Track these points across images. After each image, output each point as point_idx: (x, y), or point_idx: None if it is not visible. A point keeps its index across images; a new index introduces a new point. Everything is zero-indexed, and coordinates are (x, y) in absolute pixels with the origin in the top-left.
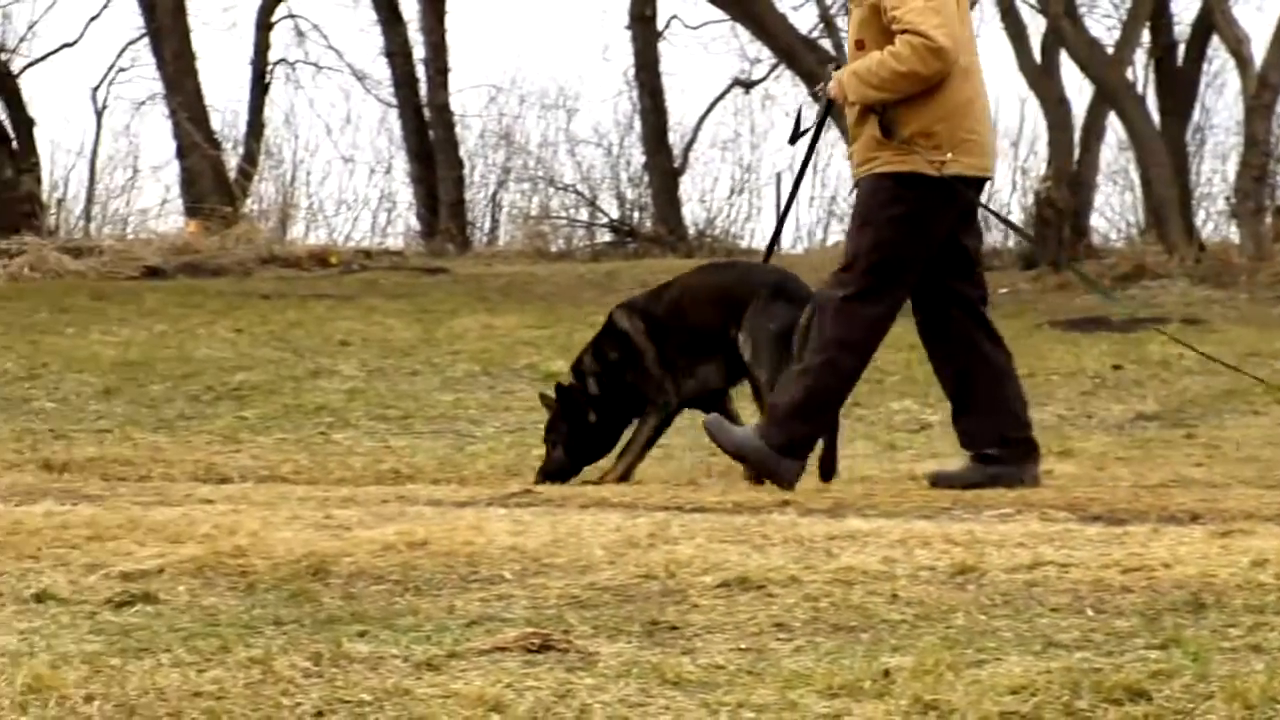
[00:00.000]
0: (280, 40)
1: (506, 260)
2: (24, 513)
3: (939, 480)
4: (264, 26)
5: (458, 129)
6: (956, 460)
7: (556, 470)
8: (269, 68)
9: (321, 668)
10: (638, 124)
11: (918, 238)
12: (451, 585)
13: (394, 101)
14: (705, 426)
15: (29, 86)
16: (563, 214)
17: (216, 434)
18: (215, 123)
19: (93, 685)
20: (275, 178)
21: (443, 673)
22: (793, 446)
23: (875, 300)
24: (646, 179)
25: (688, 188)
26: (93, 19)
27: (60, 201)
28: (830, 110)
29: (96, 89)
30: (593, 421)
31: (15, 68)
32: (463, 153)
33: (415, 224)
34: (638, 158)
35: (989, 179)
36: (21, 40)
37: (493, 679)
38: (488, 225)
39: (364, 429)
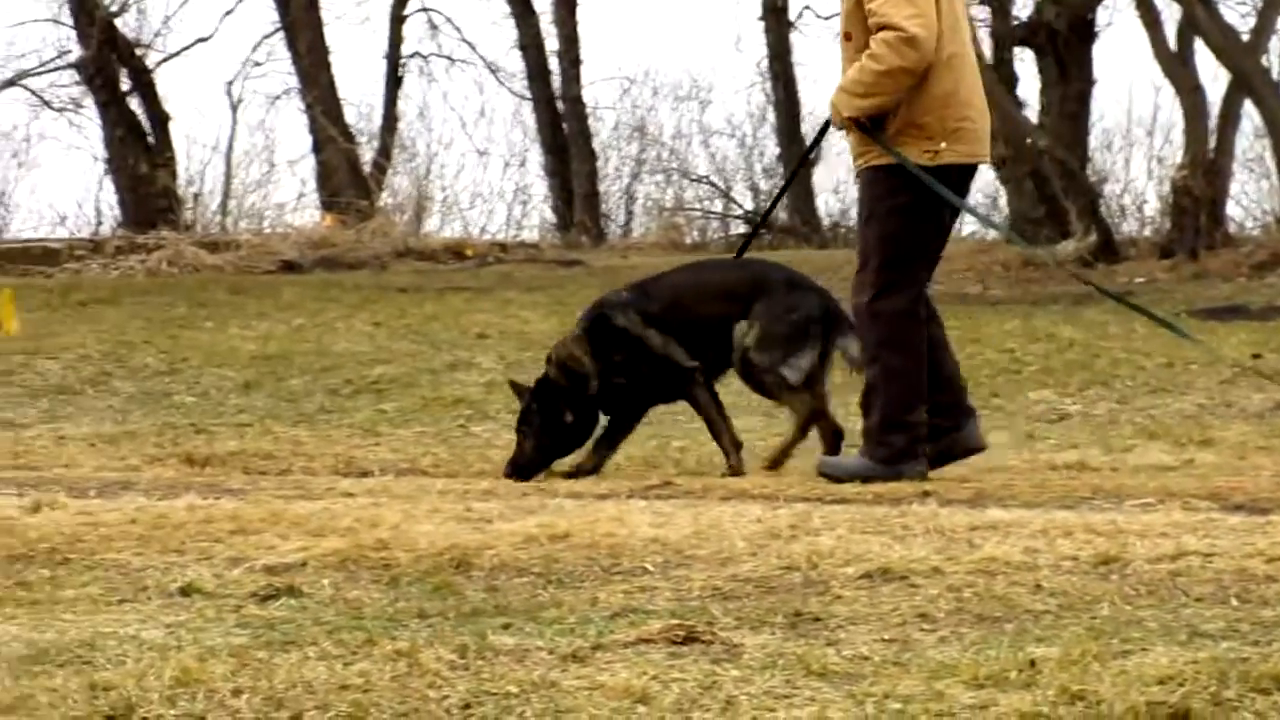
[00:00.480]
0: (414, 33)
1: (641, 252)
2: (167, 507)
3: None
4: (398, 20)
5: (591, 121)
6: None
7: (528, 464)
8: (403, 61)
9: (467, 660)
10: (771, 115)
11: (923, 225)
12: (594, 577)
13: (528, 94)
14: (818, 469)
15: (164, 82)
16: (697, 206)
17: (356, 427)
18: (350, 116)
19: (240, 678)
20: (410, 171)
21: (588, 665)
22: (901, 454)
23: (895, 293)
24: (780, 170)
25: (821, 179)
26: (227, 13)
27: (196, 196)
28: (825, 132)
29: (231, 83)
30: (569, 419)
31: (150, 63)
32: (596, 145)
33: (550, 217)
34: (771, 149)
35: (980, 164)
36: (157, 35)
37: (638, 671)
38: (622, 218)
39: (502, 421)
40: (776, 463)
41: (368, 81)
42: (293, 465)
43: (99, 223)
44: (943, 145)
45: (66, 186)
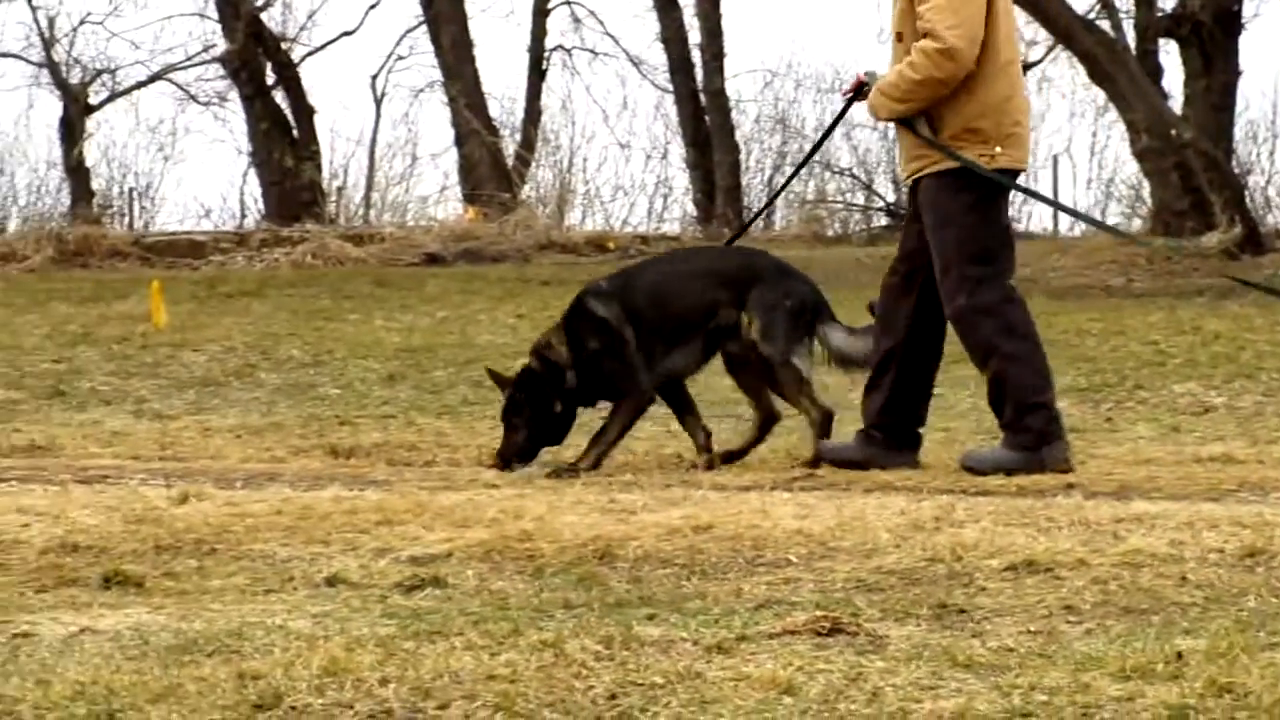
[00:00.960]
0: (556, 27)
1: (783, 245)
2: (313, 498)
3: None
4: (541, 13)
5: (734, 114)
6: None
7: (517, 454)
8: (546, 54)
9: (613, 651)
10: None
11: (995, 217)
12: (738, 569)
13: (670, 87)
14: (963, 463)
15: (309, 75)
16: (839, 198)
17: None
18: (493, 110)
19: (387, 668)
20: (552, 164)
21: (733, 656)
22: (1042, 436)
23: (989, 287)
24: None
25: None
26: (371, 7)
27: (340, 189)
28: (844, 114)
29: (375, 77)
30: (558, 409)
31: (295, 57)
32: (739, 137)
33: (691, 209)
34: None
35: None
36: (302, 29)
37: (783, 662)
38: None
39: (646, 413)
40: (729, 458)
41: (511, 75)
42: (436, 457)
43: (243, 216)
44: (998, 150)
45: (211, 180)
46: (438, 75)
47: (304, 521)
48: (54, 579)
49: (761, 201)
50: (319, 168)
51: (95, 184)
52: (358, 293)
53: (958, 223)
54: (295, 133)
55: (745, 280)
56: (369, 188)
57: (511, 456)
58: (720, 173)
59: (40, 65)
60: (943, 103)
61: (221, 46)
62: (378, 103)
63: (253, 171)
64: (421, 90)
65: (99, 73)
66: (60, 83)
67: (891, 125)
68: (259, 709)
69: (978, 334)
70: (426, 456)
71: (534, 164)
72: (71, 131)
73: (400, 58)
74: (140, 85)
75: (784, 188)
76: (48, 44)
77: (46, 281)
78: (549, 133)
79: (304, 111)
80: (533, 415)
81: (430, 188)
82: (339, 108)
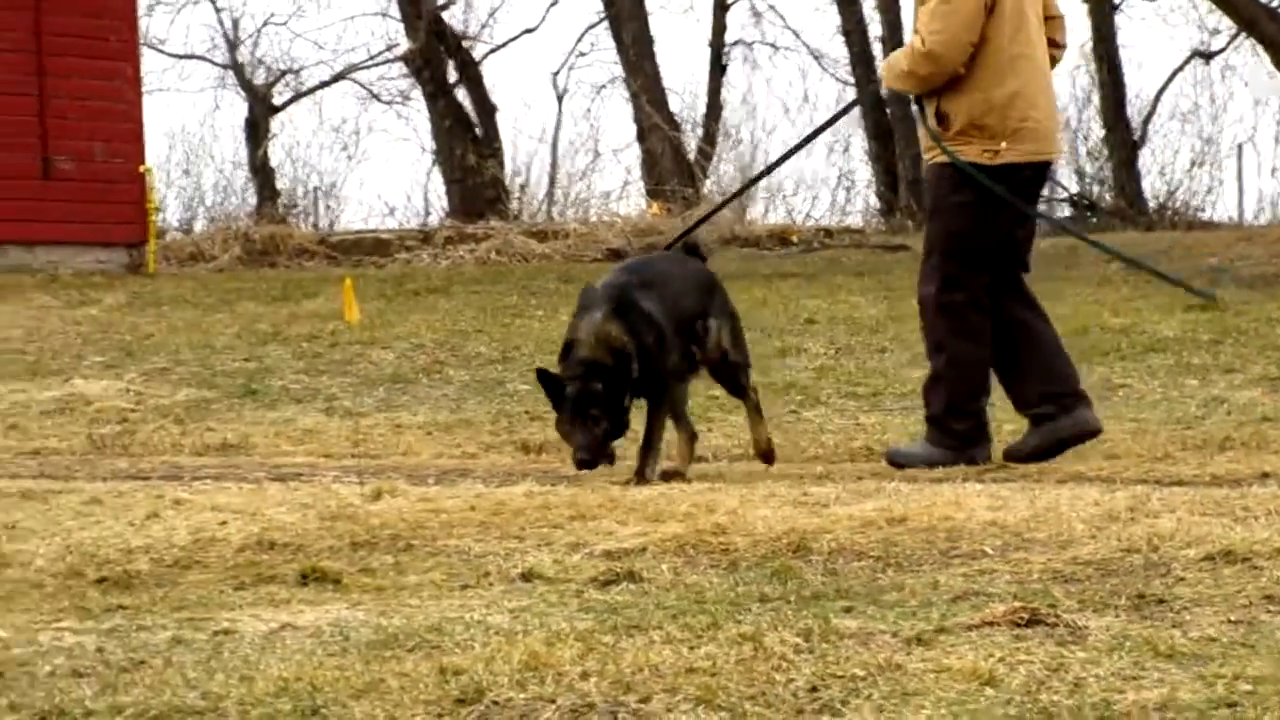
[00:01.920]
0: (737, 21)
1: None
2: (506, 493)
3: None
4: (721, 8)
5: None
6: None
7: (601, 449)
8: (726, 49)
9: (811, 643)
10: (1095, 98)
11: (985, 222)
12: (933, 561)
13: (851, 80)
14: (889, 459)
15: (491, 73)
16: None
17: (690, 412)
18: (674, 105)
19: (587, 662)
20: (734, 158)
21: (933, 647)
22: (967, 439)
23: (960, 286)
24: (1105, 152)
25: (1147, 160)
26: (553, 4)
27: (523, 186)
28: (850, 108)
29: (557, 74)
30: (627, 401)
31: (477, 54)
32: None
33: (874, 202)
34: (1096, 131)
35: (1051, 161)
36: (483, 27)
37: (984, 653)
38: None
39: (834, 406)
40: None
41: (692, 70)
42: (626, 451)
43: (427, 213)
44: (1003, 145)
45: (394, 178)
46: (619, 71)
47: (497, 517)
48: (252, 576)
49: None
50: (502, 165)
51: (280, 183)
52: (543, 289)
53: (948, 216)
54: (478, 130)
55: (712, 287)
56: (552, 184)
57: (598, 452)
58: (903, 165)
59: (225, 67)
60: (948, 98)
61: (404, 45)
62: (559, 99)
63: (436, 169)
64: (603, 86)
65: (283, 73)
66: (245, 84)
67: None
68: (461, 704)
69: (935, 327)
70: (619, 452)
71: (715, 158)
72: (256, 132)
73: (581, 54)
74: (324, 85)
75: (739, 194)
76: (233, 46)
77: (235, 281)
78: (730, 127)
79: (486, 109)
80: (610, 408)
81: (612, 183)
82: (521, 105)
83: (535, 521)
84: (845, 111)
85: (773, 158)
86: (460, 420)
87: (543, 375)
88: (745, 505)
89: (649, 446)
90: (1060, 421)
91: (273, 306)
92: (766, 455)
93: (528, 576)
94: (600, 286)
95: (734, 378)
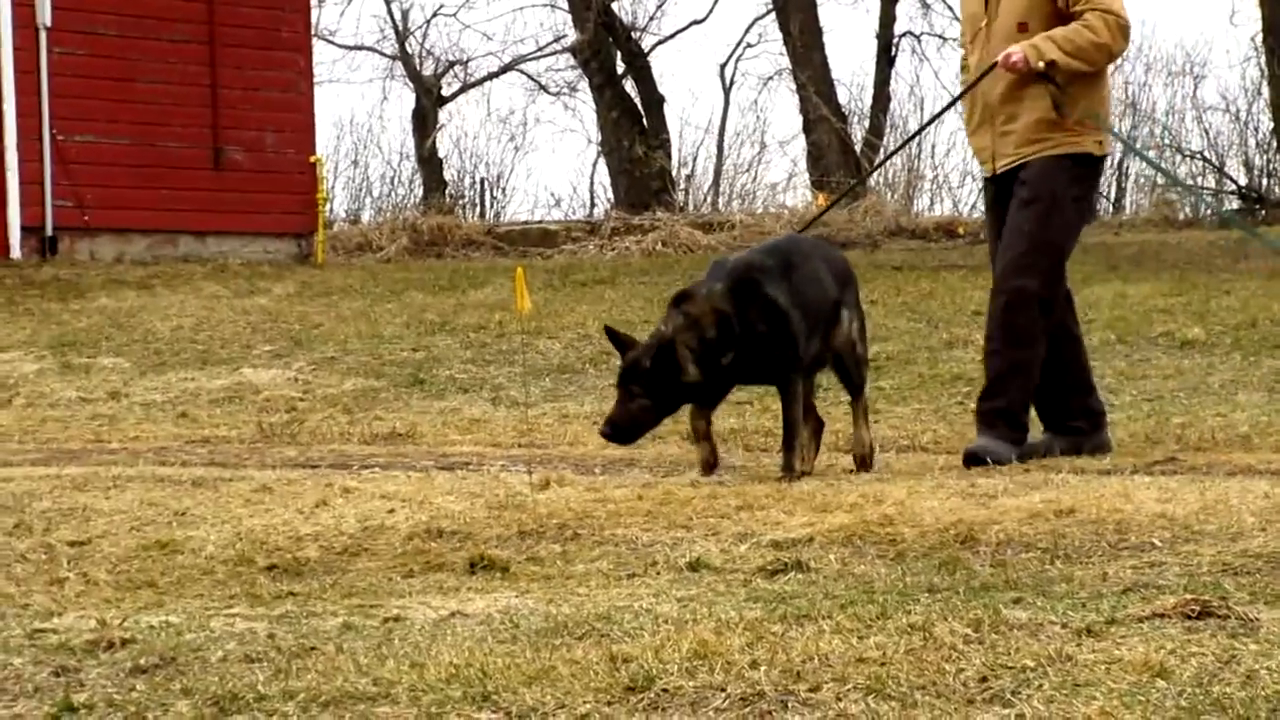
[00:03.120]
0: (905, 12)
1: (1133, 228)
2: (672, 484)
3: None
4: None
5: None
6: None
7: (624, 432)
8: (894, 40)
9: (981, 634)
10: (1265, 90)
11: (1084, 220)
12: (1101, 553)
13: None
14: (976, 454)
15: (658, 64)
16: (1190, 182)
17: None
18: (841, 96)
19: (756, 651)
20: (901, 150)
21: (1103, 639)
22: (1026, 430)
23: (1059, 283)
24: (1275, 145)
25: None
26: None
27: (689, 178)
28: (975, 85)
29: (724, 65)
30: (682, 391)
31: (645, 46)
32: None
33: None
34: (1265, 123)
35: None
36: (651, 19)
37: (1155, 645)
38: (1113, 193)
39: None
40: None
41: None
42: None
43: (592, 205)
44: (1107, 137)
45: (560, 169)
46: (786, 63)
47: (664, 507)
48: (421, 564)
49: (1111, 185)
50: (668, 156)
51: (447, 174)
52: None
53: (1064, 212)
54: (645, 121)
55: (847, 275)
56: (717, 175)
57: (621, 431)
58: None
59: (394, 58)
60: (1081, 85)
61: (572, 36)
62: (726, 90)
63: (602, 160)
64: (770, 78)
65: (451, 64)
66: (413, 75)
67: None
68: (631, 691)
69: (1030, 322)
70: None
71: (882, 150)
72: (424, 123)
73: (749, 45)
74: (491, 76)
75: (867, 176)
76: (401, 37)
77: (403, 271)
78: (897, 119)
79: (653, 100)
80: (655, 390)
81: (778, 175)
82: (688, 96)
83: (702, 511)
84: (981, 76)
85: (940, 149)
86: None
87: (610, 333)
88: (912, 497)
89: (788, 439)
90: (1089, 438)
91: (440, 296)
92: (864, 460)
93: (695, 566)
94: (730, 262)
95: (855, 373)
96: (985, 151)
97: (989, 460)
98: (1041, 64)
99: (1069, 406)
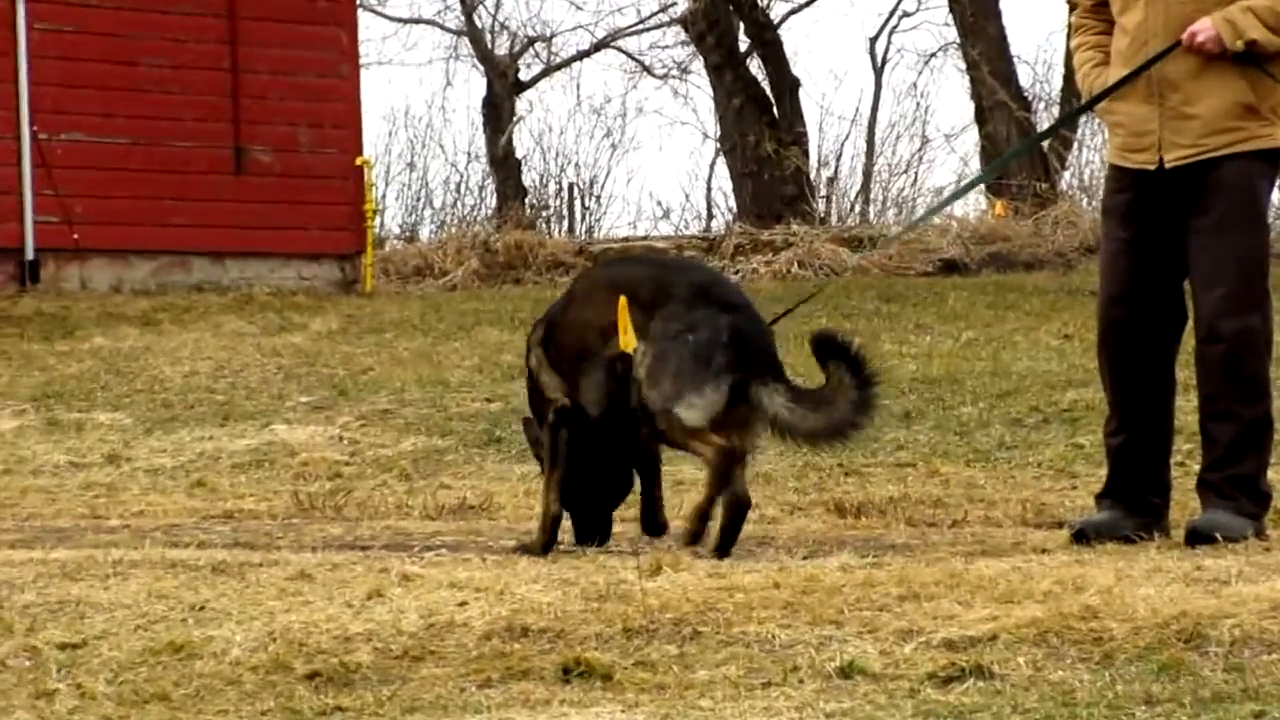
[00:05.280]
0: None
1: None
2: (817, 567)
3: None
4: None
5: None
6: None
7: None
8: None
9: None
10: None
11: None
12: None
13: None
14: (1200, 529)
15: (792, 39)
16: None
17: (1046, 466)
18: (1023, 78)
19: None
20: (1097, 145)
21: None
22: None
23: (1272, 312)
24: None
25: None
26: None
27: (831, 181)
28: (1146, 68)
29: (875, 40)
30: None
31: (775, 16)
32: None
33: None
34: None
35: None
36: None
37: None
38: None
39: None
40: (695, 534)
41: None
42: (969, 514)
43: (710, 216)
44: None
45: (669, 171)
46: (954, 36)
47: (807, 597)
48: (500, 670)
49: None
50: (805, 154)
51: (527, 179)
52: (859, 309)
53: (1265, 224)
54: (775, 111)
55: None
56: (867, 178)
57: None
58: None
59: (459, 33)
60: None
61: (682, 5)
62: (878, 72)
63: (722, 160)
64: (933, 55)
65: (531, 41)
66: (484, 55)
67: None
68: None
69: (1258, 367)
70: (955, 514)
71: (1076, 145)
72: (498, 115)
73: (905, 15)
74: (582, 55)
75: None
76: (469, 7)
77: (473, 300)
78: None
79: (786, 84)
80: None
81: (944, 177)
82: (830, 79)
83: (855, 603)
84: (1160, 56)
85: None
86: (757, 475)
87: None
88: (1122, 582)
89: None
90: (1161, 520)
91: (519, 334)
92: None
93: (848, 672)
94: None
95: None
96: (1147, 137)
97: (1219, 536)
98: (1240, 43)
99: (1160, 476)
